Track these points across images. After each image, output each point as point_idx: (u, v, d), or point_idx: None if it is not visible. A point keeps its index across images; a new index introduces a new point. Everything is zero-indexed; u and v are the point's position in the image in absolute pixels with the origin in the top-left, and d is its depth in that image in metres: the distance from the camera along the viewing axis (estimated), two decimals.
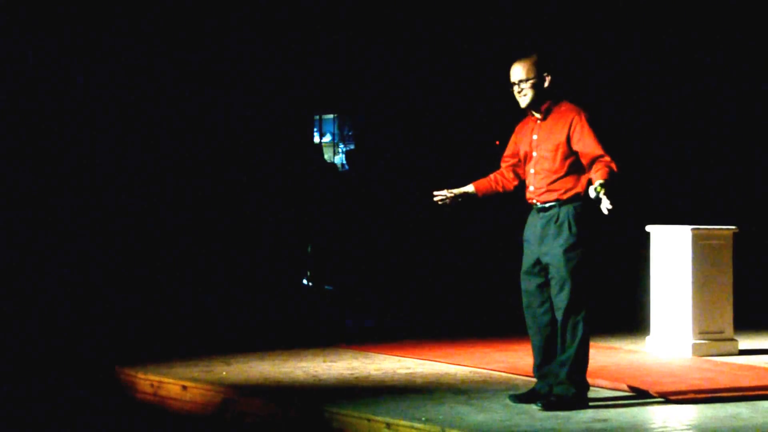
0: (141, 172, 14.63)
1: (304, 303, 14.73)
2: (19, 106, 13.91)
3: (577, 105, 7.13)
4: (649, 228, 9.77)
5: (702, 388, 7.70)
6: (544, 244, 7.08)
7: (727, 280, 9.56)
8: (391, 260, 16.18)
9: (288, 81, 15.77)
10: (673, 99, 14.88)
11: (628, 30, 14.84)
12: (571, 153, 7.02)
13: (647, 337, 9.80)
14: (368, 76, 16.64)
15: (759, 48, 14.74)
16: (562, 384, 7.00)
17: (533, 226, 7.19)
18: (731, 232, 9.60)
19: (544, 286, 7.14)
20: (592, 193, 6.77)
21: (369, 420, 6.83)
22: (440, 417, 6.77)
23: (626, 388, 7.60)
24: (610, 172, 6.80)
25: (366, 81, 16.70)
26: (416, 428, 6.58)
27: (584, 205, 6.99)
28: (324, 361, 9.22)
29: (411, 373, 8.62)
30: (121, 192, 14.46)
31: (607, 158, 6.90)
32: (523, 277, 7.25)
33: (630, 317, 11.16)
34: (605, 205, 6.67)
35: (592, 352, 9.62)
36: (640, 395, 7.37)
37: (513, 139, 7.37)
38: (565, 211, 7.01)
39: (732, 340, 9.57)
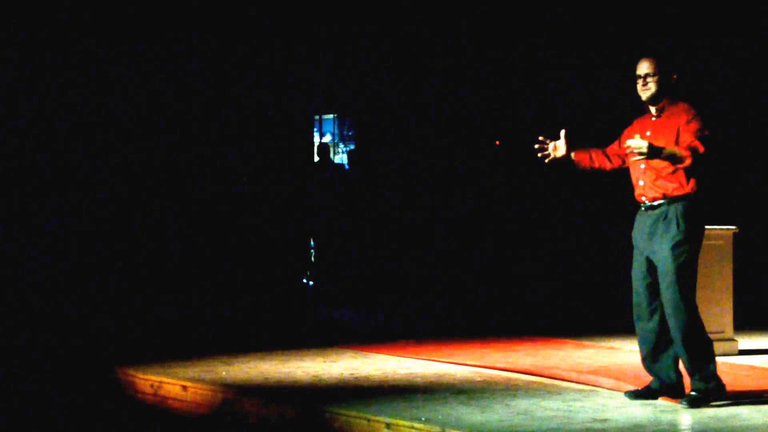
0: (142, 173, 14.63)
1: (304, 303, 14.74)
2: (22, 104, 13.92)
3: (693, 107, 7.15)
4: None
5: None
6: (652, 242, 7.10)
7: (727, 280, 9.55)
8: (391, 259, 16.18)
9: (288, 81, 15.77)
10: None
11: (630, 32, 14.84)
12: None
13: None
14: (368, 76, 16.64)
15: (759, 47, 14.74)
16: (701, 380, 7.04)
17: (642, 224, 7.21)
18: (731, 232, 9.59)
19: (653, 288, 7.16)
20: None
21: (369, 420, 6.83)
22: (440, 417, 6.77)
23: (626, 388, 7.59)
24: (693, 150, 6.89)
25: (366, 81, 16.70)
26: (416, 428, 6.57)
27: (692, 202, 7.03)
28: (324, 361, 9.21)
29: (411, 373, 8.61)
30: (122, 192, 14.47)
31: (698, 141, 6.93)
32: (633, 277, 7.28)
33: (630, 317, 11.14)
34: (635, 148, 6.82)
35: (591, 351, 9.67)
36: (639, 396, 7.35)
37: (627, 131, 7.37)
38: (674, 209, 7.03)
39: (732, 340, 9.56)
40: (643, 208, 7.22)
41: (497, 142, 16.39)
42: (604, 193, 14.57)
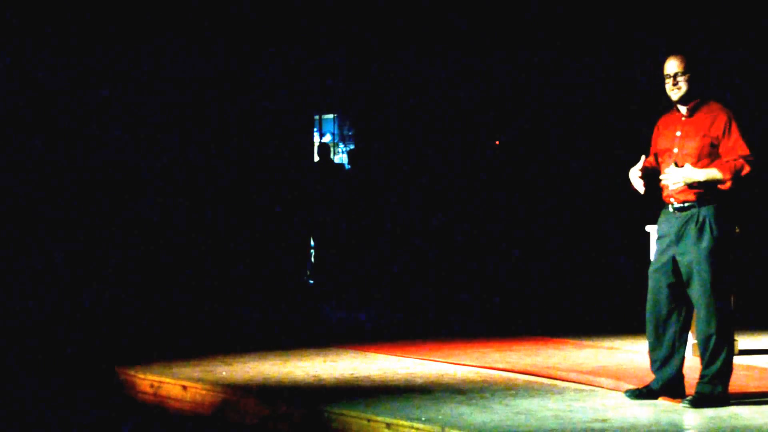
0: (142, 173, 14.63)
1: (304, 303, 14.73)
2: (21, 104, 13.92)
3: (726, 107, 7.10)
4: (648, 228, 9.76)
5: None
6: (682, 244, 7.02)
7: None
8: (392, 259, 16.18)
9: (288, 81, 15.77)
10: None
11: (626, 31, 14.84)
12: (714, 152, 7.00)
13: None
14: (368, 76, 16.64)
15: (760, 45, 14.73)
16: (709, 383, 7.02)
17: (669, 225, 7.11)
18: None
19: (674, 288, 7.10)
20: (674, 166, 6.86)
21: (369, 420, 6.83)
22: (440, 417, 6.76)
23: (626, 388, 7.59)
24: (736, 172, 6.88)
25: (366, 81, 16.70)
26: (416, 428, 6.57)
27: (725, 207, 6.98)
28: (324, 361, 9.21)
29: (411, 373, 8.61)
30: (122, 192, 14.47)
31: (745, 160, 6.91)
32: (652, 275, 7.19)
33: (630, 317, 11.16)
34: (668, 177, 6.85)
35: (592, 351, 9.67)
36: (640, 395, 7.35)
37: (655, 135, 7.30)
38: (705, 212, 6.96)
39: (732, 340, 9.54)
40: (671, 209, 7.12)
41: (497, 142, 16.40)
42: (604, 193, 14.58)
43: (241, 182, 15.36)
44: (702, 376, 7.06)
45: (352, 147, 18.00)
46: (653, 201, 7.35)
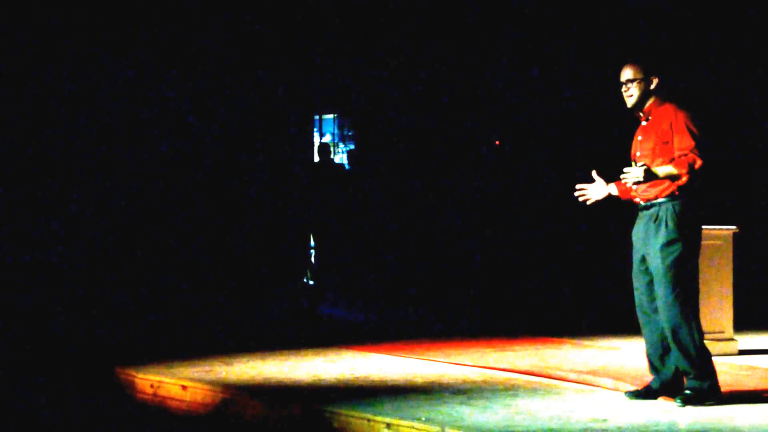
0: (142, 172, 14.64)
1: (304, 303, 14.73)
2: (23, 103, 13.93)
3: (680, 106, 7.16)
4: None
5: None
6: (646, 242, 7.15)
7: (727, 280, 9.55)
8: (391, 259, 16.18)
9: (288, 81, 15.78)
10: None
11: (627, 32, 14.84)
12: (667, 150, 7.07)
13: None
14: (368, 76, 16.64)
15: (759, 46, 14.74)
16: (695, 379, 7.07)
17: (638, 224, 7.27)
18: (731, 232, 9.59)
19: (653, 286, 7.18)
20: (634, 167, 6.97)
21: (369, 420, 6.83)
22: (440, 417, 6.77)
23: (626, 388, 7.60)
24: (689, 166, 6.91)
25: (366, 81, 16.71)
26: (416, 428, 6.58)
27: (683, 202, 7.05)
28: (324, 361, 9.22)
29: (411, 373, 8.61)
30: (122, 192, 14.47)
31: (694, 153, 6.95)
32: (633, 276, 7.33)
33: (630, 317, 11.14)
34: (630, 177, 6.92)
35: (593, 351, 9.68)
36: (640, 395, 7.36)
37: (632, 143, 7.43)
38: (664, 209, 7.07)
39: (732, 340, 9.56)
40: (639, 209, 7.26)
41: (497, 142, 16.40)
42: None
43: (242, 182, 15.36)
44: (686, 374, 7.10)
45: (352, 147, 18.00)
46: None
